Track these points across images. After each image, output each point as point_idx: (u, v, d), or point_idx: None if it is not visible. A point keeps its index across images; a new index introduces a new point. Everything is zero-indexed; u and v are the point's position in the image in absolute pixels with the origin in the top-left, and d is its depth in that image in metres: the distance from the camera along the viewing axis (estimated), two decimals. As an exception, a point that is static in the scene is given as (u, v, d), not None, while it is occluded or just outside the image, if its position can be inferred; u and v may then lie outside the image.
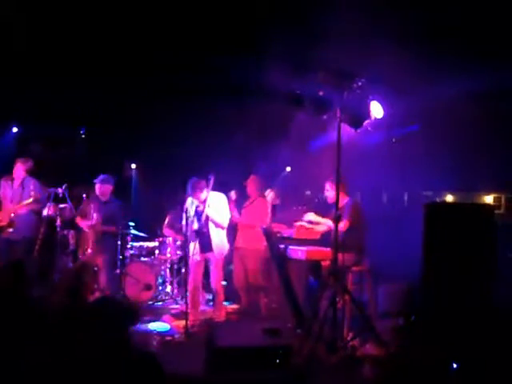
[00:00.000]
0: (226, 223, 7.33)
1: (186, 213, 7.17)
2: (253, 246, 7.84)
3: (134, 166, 12.10)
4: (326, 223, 6.82)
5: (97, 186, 7.85)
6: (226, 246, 7.42)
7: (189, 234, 7.16)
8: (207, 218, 7.09)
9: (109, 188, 7.93)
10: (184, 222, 7.31)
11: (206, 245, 7.15)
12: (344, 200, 6.69)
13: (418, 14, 6.75)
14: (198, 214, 7.09)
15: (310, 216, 6.99)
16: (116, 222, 7.98)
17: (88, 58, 7.95)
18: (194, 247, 7.10)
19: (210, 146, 9.72)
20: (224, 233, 7.35)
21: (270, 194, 7.89)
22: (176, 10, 7.00)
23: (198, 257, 7.14)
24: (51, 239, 7.83)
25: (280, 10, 6.99)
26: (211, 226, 7.14)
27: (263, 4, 6.84)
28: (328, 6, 6.82)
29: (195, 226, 7.11)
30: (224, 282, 8.77)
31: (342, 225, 6.50)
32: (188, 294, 6.99)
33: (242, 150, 9.28)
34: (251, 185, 8.15)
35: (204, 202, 7.08)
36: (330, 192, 6.87)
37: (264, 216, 7.97)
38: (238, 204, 8.06)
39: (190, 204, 7.29)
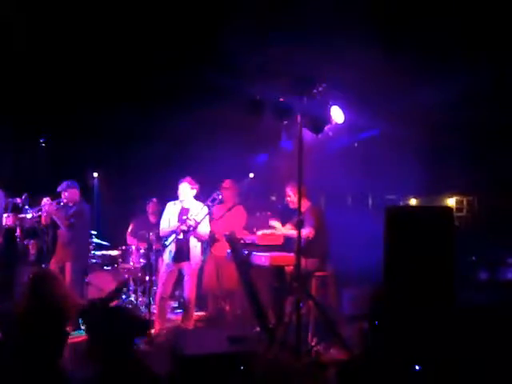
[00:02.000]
0: (207, 235, 7.31)
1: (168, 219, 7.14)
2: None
3: (96, 174, 11.98)
4: (291, 234, 6.78)
5: (63, 195, 7.55)
6: (200, 256, 7.37)
7: (167, 241, 7.10)
8: (194, 230, 7.00)
9: (75, 193, 7.64)
10: (164, 227, 7.21)
11: (183, 254, 7.07)
12: (306, 205, 6.69)
13: (379, 21, 6.82)
14: (187, 226, 6.95)
15: (275, 223, 6.99)
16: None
17: (48, 67, 7.87)
18: (169, 255, 7.04)
19: (171, 153, 9.67)
20: (200, 243, 7.31)
21: None
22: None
23: (171, 265, 7.07)
24: (11, 250, 7.68)
25: (241, 14, 6.99)
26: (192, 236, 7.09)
27: (226, 7, 6.84)
28: (289, 11, 6.86)
29: (180, 236, 7.00)
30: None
31: (308, 232, 6.51)
32: (155, 302, 6.92)
33: (203, 156, 9.24)
34: (228, 190, 8.08)
35: (187, 212, 7.01)
36: (291, 197, 6.87)
37: (241, 224, 7.93)
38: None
39: (173, 209, 7.21)
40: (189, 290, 7.16)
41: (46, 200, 7.33)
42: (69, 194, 7.56)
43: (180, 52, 7.45)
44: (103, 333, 3.60)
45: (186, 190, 7.16)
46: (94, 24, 6.87)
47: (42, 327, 3.98)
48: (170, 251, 7.04)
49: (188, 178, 7.18)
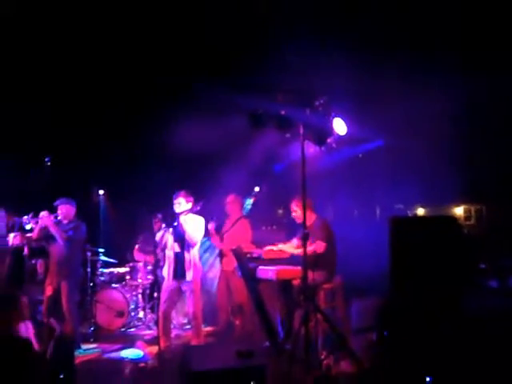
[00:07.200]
0: (197, 241, 7.14)
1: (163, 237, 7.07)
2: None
3: (101, 192, 12.03)
4: (298, 252, 6.73)
5: (59, 208, 7.38)
6: (200, 270, 7.26)
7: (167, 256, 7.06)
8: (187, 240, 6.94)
9: (70, 209, 7.45)
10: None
11: (181, 271, 7.01)
12: (312, 218, 6.67)
13: (380, 32, 6.83)
14: (179, 234, 6.95)
15: (281, 246, 6.97)
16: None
17: (52, 87, 7.92)
18: (169, 271, 6.99)
19: (176, 169, 9.67)
20: (196, 255, 7.19)
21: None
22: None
23: (172, 282, 7.01)
24: (19, 269, 7.66)
25: (243, 31, 7.03)
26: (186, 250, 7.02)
27: (231, 26, 6.89)
28: (291, 24, 6.88)
29: (176, 248, 7.00)
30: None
31: (318, 246, 6.49)
32: (159, 319, 6.86)
33: (210, 171, 9.24)
34: (232, 205, 8.09)
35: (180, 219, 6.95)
36: (296, 212, 6.84)
37: (247, 238, 7.89)
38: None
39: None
40: (192, 306, 7.06)
41: (44, 213, 7.19)
42: (64, 209, 7.38)
43: (184, 70, 7.50)
44: None
45: (182, 203, 7.09)
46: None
47: None
48: (169, 268, 6.99)
49: (183, 192, 7.14)
